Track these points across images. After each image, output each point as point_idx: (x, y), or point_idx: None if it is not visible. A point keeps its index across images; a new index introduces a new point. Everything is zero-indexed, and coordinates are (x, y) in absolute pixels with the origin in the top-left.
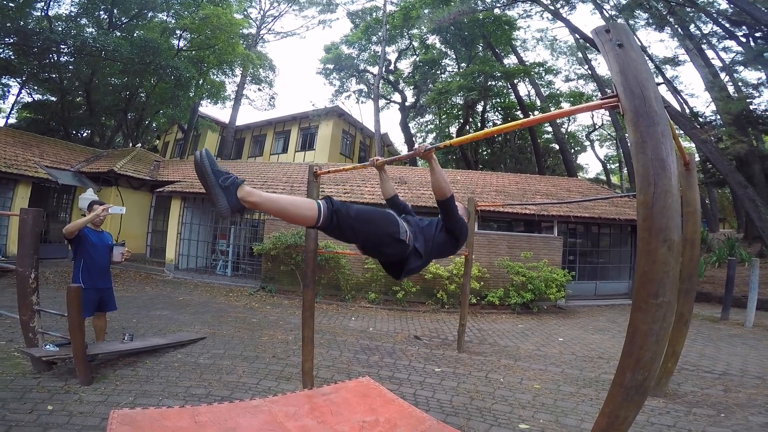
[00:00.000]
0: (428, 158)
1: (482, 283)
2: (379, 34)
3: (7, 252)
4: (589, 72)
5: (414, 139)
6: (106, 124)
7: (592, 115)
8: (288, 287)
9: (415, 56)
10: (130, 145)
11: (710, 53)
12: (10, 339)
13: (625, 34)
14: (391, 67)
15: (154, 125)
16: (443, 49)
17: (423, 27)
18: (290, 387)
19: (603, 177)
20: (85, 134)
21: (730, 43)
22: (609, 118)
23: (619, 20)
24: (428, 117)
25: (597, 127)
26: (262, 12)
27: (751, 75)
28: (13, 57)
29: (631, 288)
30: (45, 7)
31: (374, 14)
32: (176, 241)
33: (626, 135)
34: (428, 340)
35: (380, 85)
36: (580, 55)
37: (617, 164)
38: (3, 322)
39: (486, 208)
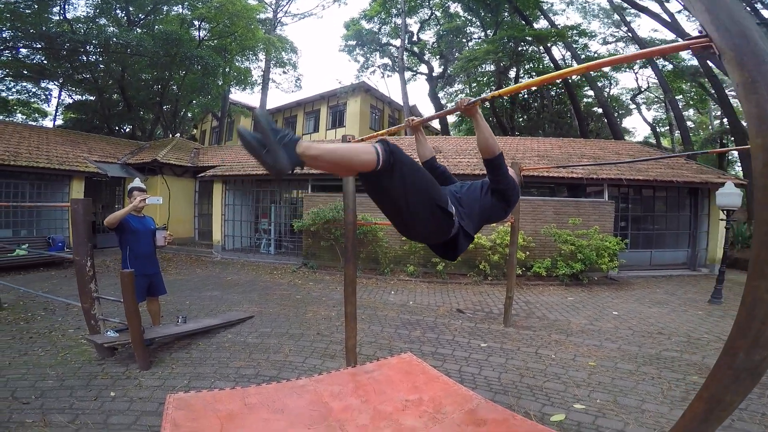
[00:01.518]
0: (472, 114)
1: (527, 252)
2: (398, 5)
3: (70, 243)
4: (629, 34)
5: (444, 108)
6: (144, 117)
7: (637, 78)
8: (329, 263)
9: (438, 26)
10: (170, 135)
11: None
12: (77, 327)
13: None
14: (414, 38)
15: (189, 115)
16: (467, 17)
17: None
18: (335, 365)
19: (652, 140)
20: (127, 129)
21: None
22: (656, 80)
23: None
24: (458, 86)
25: (642, 89)
26: None
27: None
28: (45, 61)
29: (690, 257)
30: (61, 11)
31: None
32: (221, 223)
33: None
34: (472, 314)
35: (404, 57)
36: (616, 17)
37: (667, 127)
38: (71, 311)
39: (531, 173)
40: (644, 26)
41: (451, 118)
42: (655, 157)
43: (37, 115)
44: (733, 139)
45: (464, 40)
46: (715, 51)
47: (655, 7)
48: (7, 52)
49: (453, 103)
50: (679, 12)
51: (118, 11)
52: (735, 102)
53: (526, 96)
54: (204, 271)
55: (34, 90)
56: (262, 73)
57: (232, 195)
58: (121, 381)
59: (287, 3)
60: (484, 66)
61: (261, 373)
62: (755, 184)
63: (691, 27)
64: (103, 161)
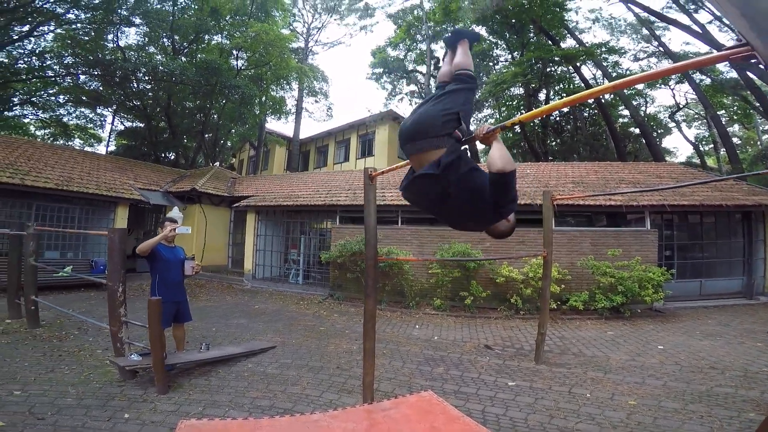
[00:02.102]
0: (491, 143)
1: (563, 286)
2: (423, 32)
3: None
4: (660, 49)
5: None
6: (187, 146)
7: (674, 94)
8: (354, 294)
9: None
10: (210, 164)
11: None
12: (105, 348)
13: None
14: (440, 64)
15: (228, 144)
16: (492, 39)
17: (466, 19)
18: (351, 400)
19: (696, 160)
20: (171, 156)
21: None
22: (694, 96)
23: None
24: (487, 111)
25: (681, 106)
26: (306, 25)
27: None
28: (101, 87)
29: (746, 285)
30: (115, 39)
31: (414, 12)
32: (253, 252)
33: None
34: (501, 350)
35: (431, 83)
36: (645, 31)
37: (711, 145)
38: (102, 332)
39: (564, 202)
40: (675, 39)
41: (480, 145)
42: (701, 181)
43: (93, 140)
44: None
45: (491, 64)
46: (759, 60)
47: (684, 19)
48: (68, 78)
49: (474, 130)
50: (710, 23)
51: (164, 39)
52: None
53: (558, 118)
54: (233, 298)
55: (90, 116)
56: (295, 102)
57: (264, 225)
58: (138, 404)
59: (318, 32)
60: (512, 89)
61: (276, 405)
62: None
63: (725, 38)
64: (146, 188)
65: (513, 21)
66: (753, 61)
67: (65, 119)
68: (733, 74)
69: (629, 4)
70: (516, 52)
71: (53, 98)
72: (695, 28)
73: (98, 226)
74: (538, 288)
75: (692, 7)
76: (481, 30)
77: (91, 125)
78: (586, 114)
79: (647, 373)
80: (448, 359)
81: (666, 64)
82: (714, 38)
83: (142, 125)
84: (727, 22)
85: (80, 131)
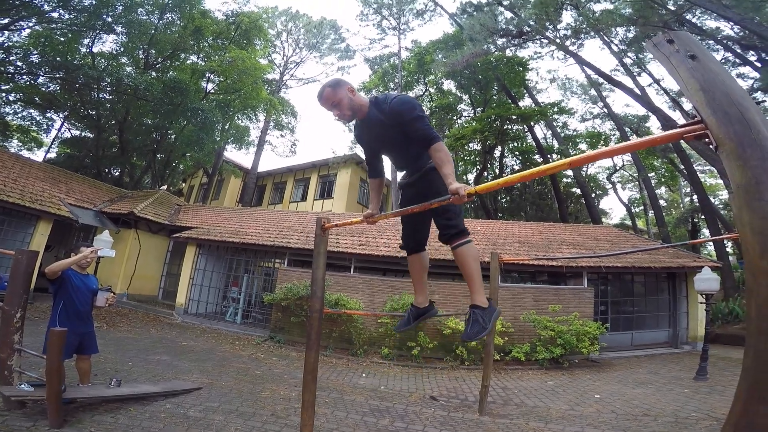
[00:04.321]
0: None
1: (506, 338)
2: (396, 80)
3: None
4: (605, 110)
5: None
6: (136, 164)
7: (612, 157)
8: (297, 338)
9: (431, 102)
10: (158, 186)
11: None
12: None
13: (694, 44)
14: None
15: (181, 167)
16: (458, 94)
17: (438, 72)
18: None
19: (628, 222)
20: (116, 173)
21: (745, 69)
22: (630, 158)
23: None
24: None
25: (618, 168)
26: (285, 58)
27: None
28: (58, 91)
29: (672, 336)
30: (91, 44)
31: (391, 60)
32: (188, 286)
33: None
34: (446, 401)
35: None
36: (593, 92)
37: (641, 207)
38: None
39: (511, 261)
40: (618, 101)
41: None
42: (633, 250)
43: (33, 144)
44: (703, 217)
45: (455, 117)
46: (711, 141)
47: (628, 81)
48: (27, 77)
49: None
50: (650, 85)
51: (140, 52)
52: (703, 177)
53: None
54: (159, 332)
55: (38, 118)
56: (260, 133)
57: (205, 259)
58: None
59: (295, 66)
60: (471, 144)
61: None
62: (757, 313)
63: (661, 100)
64: (78, 205)
65: (480, 77)
66: (706, 141)
67: (8, 118)
68: None
69: (583, 66)
70: (479, 108)
71: (3, 95)
72: (636, 91)
73: (13, 239)
74: (482, 340)
75: (636, 70)
76: (450, 84)
77: (36, 128)
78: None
79: (586, 422)
80: (393, 410)
81: (608, 126)
82: (651, 101)
83: (91, 135)
84: (665, 86)
85: (22, 133)
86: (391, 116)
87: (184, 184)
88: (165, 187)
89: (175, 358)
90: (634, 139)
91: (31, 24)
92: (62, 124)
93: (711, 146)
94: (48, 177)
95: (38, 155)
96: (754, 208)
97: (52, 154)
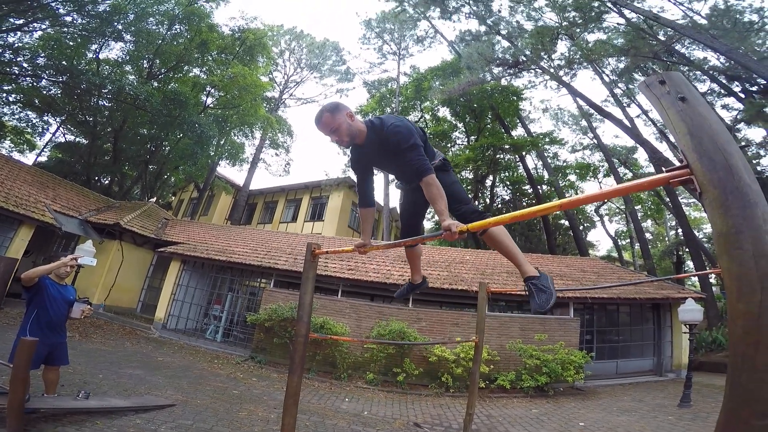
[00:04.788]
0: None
1: (492, 366)
2: (393, 105)
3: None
4: (595, 141)
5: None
6: (127, 173)
7: (601, 187)
8: (280, 359)
9: (426, 128)
10: (147, 198)
11: None
12: None
13: (685, 85)
14: None
15: (172, 180)
16: (453, 122)
17: (434, 99)
18: None
19: (614, 254)
20: (105, 182)
21: (729, 101)
22: None
23: (623, 82)
24: None
25: (605, 200)
26: (286, 76)
27: (755, 133)
28: (59, 95)
29: (656, 364)
30: (98, 50)
31: (389, 84)
32: (169, 301)
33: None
34: (429, 428)
35: None
36: (584, 123)
37: (628, 240)
38: None
39: (498, 291)
40: (608, 132)
41: (428, 224)
42: (620, 284)
43: (25, 146)
44: (687, 250)
45: (449, 145)
46: (696, 187)
47: (618, 112)
48: (31, 79)
49: (441, 230)
50: (638, 116)
51: (145, 61)
52: (688, 211)
53: (500, 206)
54: (134, 345)
55: (35, 121)
56: (254, 151)
57: (189, 275)
58: None
59: (295, 86)
60: (463, 173)
61: None
62: (733, 351)
63: (648, 132)
64: (63, 212)
65: (475, 105)
66: (692, 188)
67: (5, 119)
68: (651, 168)
69: (575, 96)
70: (473, 136)
71: (4, 95)
72: (626, 122)
73: None
74: (468, 368)
75: (626, 101)
76: (446, 111)
77: (31, 130)
78: (524, 203)
79: None
80: None
81: (598, 157)
82: (640, 133)
83: (85, 142)
84: (653, 117)
85: (15, 134)
86: (387, 141)
87: (173, 198)
88: (154, 199)
89: (150, 372)
90: (623, 183)
91: (44, 26)
92: (58, 128)
93: (696, 192)
94: (35, 181)
95: (29, 158)
96: (733, 256)
97: (43, 158)
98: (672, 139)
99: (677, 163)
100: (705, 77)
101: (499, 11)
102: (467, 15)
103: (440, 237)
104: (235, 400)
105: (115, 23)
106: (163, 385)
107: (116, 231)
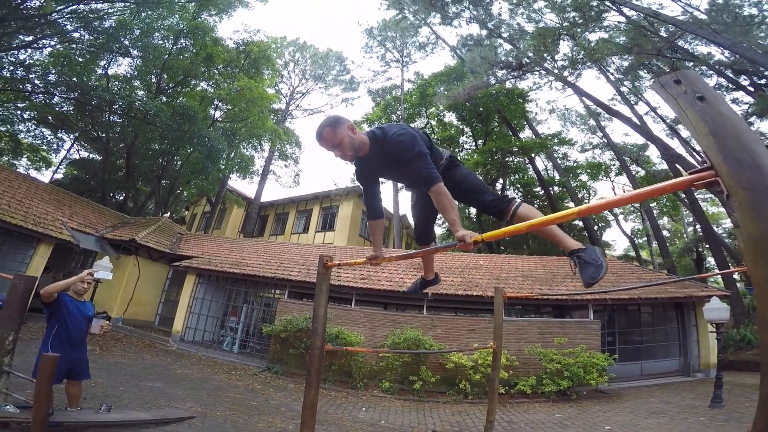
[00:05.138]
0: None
1: (511, 371)
2: (398, 112)
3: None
4: (604, 140)
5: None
6: (141, 189)
7: (613, 187)
8: (296, 370)
9: (433, 134)
10: (161, 213)
11: None
12: None
13: (702, 84)
14: None
15: (185, 195)
16: (460, 126)
17: (440, 104)
18: None
19: (631, 253)
20: (120, 198)
21: (738, 95)
22: (630, 188)
23: (627, 82)
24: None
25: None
26: (291, 88)
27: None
28: (71, 111)
29: (683, 364)
30: (107, 66)
31: (393, 92)
32: (186, 314)
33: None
34: None
35: None
36: (592, 122)
37: (645, 238)
38: None
39: (514, 296)
40: (617, 130)
41: (439, 230)
42: (640, 285)
43: (42, 163)
44: (707, 246)
45: (456, 150)
46: (722, 189)
47: (626, 110)
48: (43, 96)
49: (457, 241)
50: (647, 113)
51: (153, 76)
52: (705, 206)
53: None
54: (153, 358)
55: (49, 137)
56: (264, 163)
57: (204, 288)
58: None
59: (301, 97)
60: None
61: None
62: None
63: (658, 129)
64: (80, 230)
65: (481, 109)
66: (718, 190)
67: (20, 136)
68: (664, 166)
69: (581, 96)
70: (480, 140)
71: (18, 112)
72: (635, 120)
73: (12, 261)
74: (486, 374)
75: (633, 99)
76: (452, 116)
77: (46, 148)
78: (536, 205)
79: None
80: None
81: (608, 156)
82: (650, 130)
83: (99, 158)
84: (661, 114)
85: (32, 151)
86: (391, 151)
87: (187, 212)
88: (168, 214)
89: (169, 385)
90: (644, 188)
91: (53, 43)
92: (72, 145)
93: (722, 194)
94: (52, 199)
95: (46, 175)
96: None
97: (59, 175)
98: (684, 135)
99: (691, 160)
100: (711, 72)
101: (500, 14)
102: (468, 20)
103: (455, 248)
104: (254, 411)
105: (122, 39)
106: (182, 398)
107: (132, 247)
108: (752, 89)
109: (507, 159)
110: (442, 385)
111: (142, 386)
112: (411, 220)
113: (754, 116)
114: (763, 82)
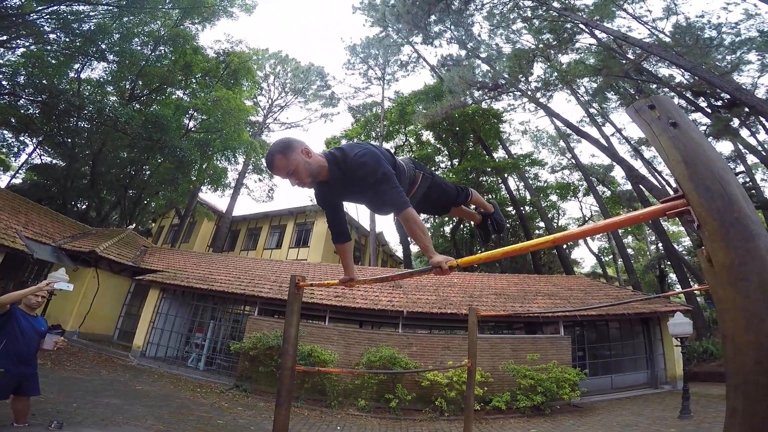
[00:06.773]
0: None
1: (486, 388)
2: (378, 129)
3: None
4: (573, 161)
5: (410, 240)
6: (105, 198)
7: (581, 207)
8: (266, 388)
9: (410, 152)
10: (126, 224)
11: None
12: None
13: (675, 110)
14: None
15: (152, 206)
16: (437, 145)
17: (418, 123)
18: None
19: (599, 270)
20: (82, 207)
21: (696, 116)
22: (597, 208)
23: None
24: (422, 216)
25: (587, 218)
26: (270, 101)
27: (722, 147)
28: (37, 115)
29: (651, 377)
30: (80, 69)
31: (374, 109)
32: (148, 329)
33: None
34: None
35: None
36: (562, 144)
37: (611, 256)
38: None
39: (488, 314)
40: (585, 151)
41: (415, 247)
42: (609, 304)
43: (0, 167)
44: (669, 263)
45: (433, 168)
46: (693, 219)
47: (594, 132)
48: (9, 97)
49: (432, 267)
50: (613, 135)
51: (127, 82)
52: (666, 225)
53: None
54: (111, 374)
55: (10, 141)
56: (237, 176)
57: (168, 303)
58: None
59: (279, 110)
60: None
61: None
62: (744, 380)
63: (623, 150)
64: (36, 239)
65: (457, 129)
66: (689, 219)
67: None
68: (628, 186)
69: (552, 117)
70: (455, 159)
71: None
72: (602, 141)
73: None
74: (462, 391)
75: (601, 120)
76: (429, 135)
77: (6, 151)
78: (508, 225)
79: None
80: None
81: (576, 176)
82: (616, 151)
83: (63, 164)
84: (626, 135)
85: None
86: (353, 175)
87: (153, 224)
88: (133, 226)
89: (128, 402)
90: (619, 216)
91: (27, 44)
92: (34, 149)
93: (693, 224)
94: (7, 206)
95: (3, 180)
96: (738, 288)
97: (17, 180)
98: (647, 156)
99: (654, 181)
100: (673, 94)
101: (479, 35)
102: (449, 40)
103: (430, 273)
104: (221, 430)
105: (100, 42)
106: (142, 415)
107: (91, 258)
108: (709, 111)
109: (481, 179)
110: (418, 402)
111: (98, 402)
112: (387, 238)
113: (711, 137)
114: (719, 104)
